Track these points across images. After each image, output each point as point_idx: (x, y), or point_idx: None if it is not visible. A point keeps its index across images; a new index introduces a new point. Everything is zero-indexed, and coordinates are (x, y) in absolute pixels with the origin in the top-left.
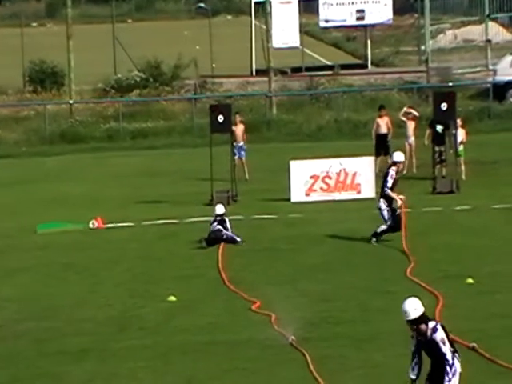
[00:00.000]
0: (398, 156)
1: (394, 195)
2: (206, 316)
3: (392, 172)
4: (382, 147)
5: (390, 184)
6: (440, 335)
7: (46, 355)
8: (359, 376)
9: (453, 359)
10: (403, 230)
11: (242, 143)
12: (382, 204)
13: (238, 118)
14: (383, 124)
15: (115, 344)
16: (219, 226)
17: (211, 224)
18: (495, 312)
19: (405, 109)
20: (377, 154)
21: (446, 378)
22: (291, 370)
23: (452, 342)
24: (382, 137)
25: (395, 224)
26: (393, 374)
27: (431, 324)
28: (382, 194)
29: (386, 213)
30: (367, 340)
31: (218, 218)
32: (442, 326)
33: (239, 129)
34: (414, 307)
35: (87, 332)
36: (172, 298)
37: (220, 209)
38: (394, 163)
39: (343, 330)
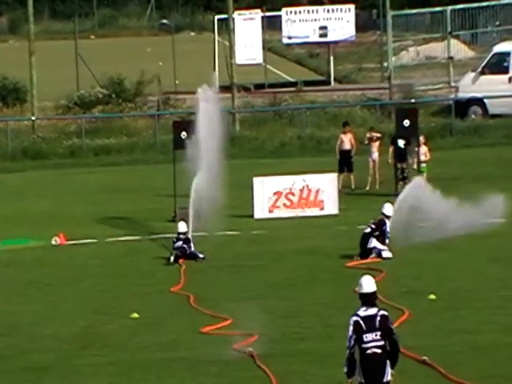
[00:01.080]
0: (390, 210)
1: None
2: (169, 333)
3: (388, 225)
4: (345, 163)
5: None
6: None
7: (8, 372)
8: None
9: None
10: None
11: None
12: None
13: None
14: (347, 140)
15: (78, 361)
16: (184, 245)
17: (174, 242)
18: (458, 328)
19: (367, 135)
20: (340, 171)
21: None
22: None
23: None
24: (346, 153)
25: None
26: None
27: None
28: (385, 243)
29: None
30: (330, 356)
31: (182, 237)
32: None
33: None
34: (369, 282)
35: (49, 349)
36: (135, 315)
37: (182, 227)
38: (388, 217)
39: (307, 346)
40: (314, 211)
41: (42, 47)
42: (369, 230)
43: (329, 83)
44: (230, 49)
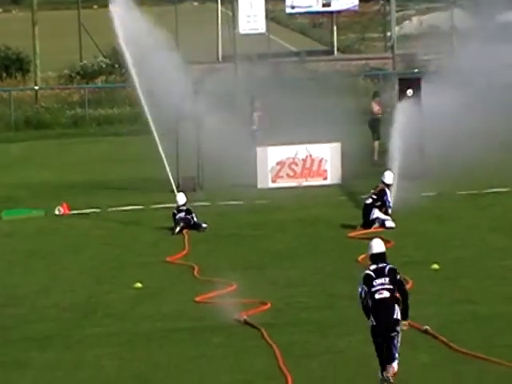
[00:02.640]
0: (390, 178)
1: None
2: (171, 303)
3: (389, 194)
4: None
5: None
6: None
7: (11, 342)
8: (324, 362)
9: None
10: None
11: (255, 127)
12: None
13: (257, 103)
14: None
15: (80, 331)
16: (187, 215)
17: (175, 214)
18: (460, 298)
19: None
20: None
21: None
22: (258, 356)
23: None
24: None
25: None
26: (357, 359)
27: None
28: (387, 213)
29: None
30: (332, 326)
31: (183, 208)
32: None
33: (258, 113)
34: (379, 244)
35: (51, 318)
36: (138, 285)
37: (182, 199)
38: (388, 186)
39: (309, 315)
40: (317, 181)
41: (45, 17)
42: (370, 200)
43: (332, 53)
44: (233, 19)
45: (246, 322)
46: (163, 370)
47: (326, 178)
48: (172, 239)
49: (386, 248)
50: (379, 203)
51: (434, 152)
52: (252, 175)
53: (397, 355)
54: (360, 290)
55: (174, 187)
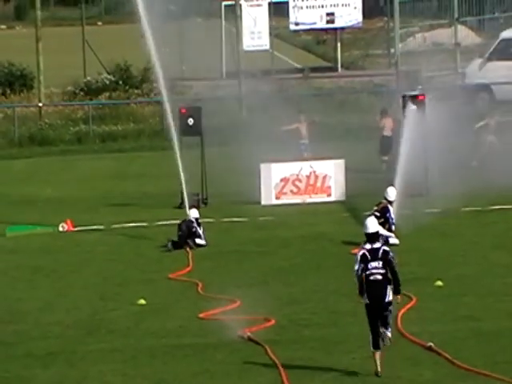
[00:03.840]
0: (393, 194)
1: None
2: (175, 319)
3: (392, 211)
4: (386, 149)
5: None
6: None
7: (14, 359)
8: (328, 379)
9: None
10: None
11: (305, 140)
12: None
13: (302, 117)
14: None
15: (84, 347)
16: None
17: (180, 225)
18: (463, 314)
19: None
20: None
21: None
22: (261, 373)
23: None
24: (387, 139)
25: None
26: (361, 376)
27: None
28: (391, 229)
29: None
30: (336, 343)
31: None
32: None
33: (303, 127)
34: (373, 223)
35: (55, 335)
36: (142, 301)
37: (194, 213)
38: (391, 203)
39: (312, 332)
40: (321, 197)
41: (49, 33)
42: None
43: (336, 69)
44: (237, 35)
45: (249, 339)
46: None
47: (329, 195)
48: (176, 256)
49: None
50: (382, 220)
51: (437, 169)
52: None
53: (390, 326)
54: (357, 267)
55: (186, 203)
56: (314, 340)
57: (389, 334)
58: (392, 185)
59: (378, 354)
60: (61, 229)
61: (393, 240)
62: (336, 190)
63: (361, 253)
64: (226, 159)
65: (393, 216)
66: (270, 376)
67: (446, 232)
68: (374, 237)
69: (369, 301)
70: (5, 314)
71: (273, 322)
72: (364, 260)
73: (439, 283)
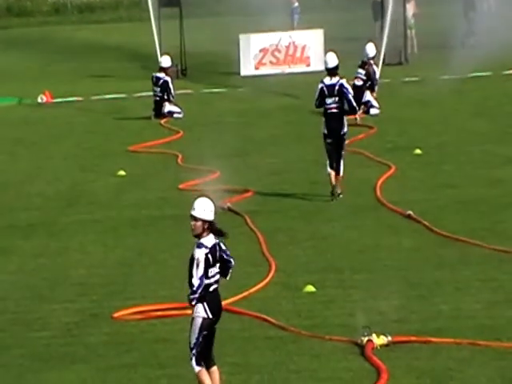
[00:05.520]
0: (373, 50)
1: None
2: (155, 190)
3: (375, 68)
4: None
5: None
6: None
7: None
8: (308, 247)
9: None
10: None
11: (296, 3)
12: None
13: None
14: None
15: (65, 218)
16: (159, 94)
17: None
18: (442, 182)
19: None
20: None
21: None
22: (241, 243)
23: None
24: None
25: None
26: (340, 245)
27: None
28: (374, 88)
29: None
30: (316, 212)
31: (161, 81)
32: None
33: None
34: (332, 59)
35: (36, 207)
36: (122, 173)
37: (166, 61)
38: (373, 58)
39: (292, 202)
40: (300, 68)
41: None
42: (361, 82)
43: None
44: None
45: (229, 209)
46: (147, 256)
47: (308, 65)
48: (154, 127)
49: (370, 134)
50: (369, 83)
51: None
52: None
53: (342, 166)
54: (316, 98)
55: (159, 54)
56: (294, 209)
57: (341, 167)
58: (370, 41)
59: (333, 175)
60: (39, 100)
61: (374, 111)
62: (315, 60)
63: (319, 87)
64: (206, 30)
65: (377, 76)
66: (251, 245)
67: (425, 101)
68: (333, 71)
69: (327, 132)
70: None
71: (251, 193)
72: (321, 94)
73: (418, 151)
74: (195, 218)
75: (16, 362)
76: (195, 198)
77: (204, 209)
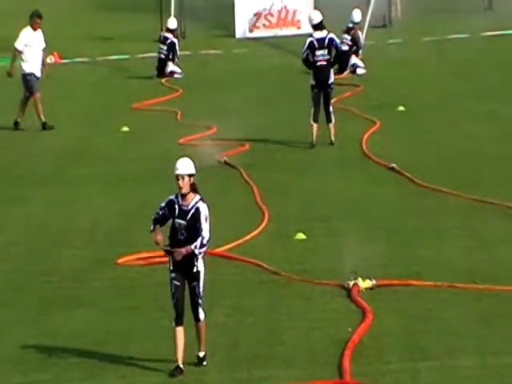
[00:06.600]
0: (359, 15)
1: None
2: (156, 145)
3: (360, 33)
4: None
5: None
6: None
7: (8, 180)
8: (298, 198)
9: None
10: None
11: None
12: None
13: None
14: None
15: (72, 171)
16: (165, 52)
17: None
18: (424, 138)
19: None
20: None
21: None
22: (237, 194)
23: None
24: None
25: None
26: (328, 195)
27: None
28: (358, 52)
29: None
30: (306, 165)
31: (169, 41)
32: None
33: None
34: (317, 15)
35: (47, 160)
36: (125, 129)
37: (173, 23)
38: (358, 24)
39: (284, 156)
40: (291, 30)
41: None
42: (347, 47)
43: None
44: None
45: (225, 163)
46: (149, 208)
47: (299, 28)
48: (156, 86)
49: (356, 92)
50: (355, 48)
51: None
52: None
53: (333, 115)
54: (304, 51)
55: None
56: (285, 163)
57: (332, 115)
58: (357, 7)
59: (315, 127)
60: (49, 61)
61: (360, 71)
62: (305, 24)
63: (309, 40)
64: None
65: (362, 41)
66: (245, 196)
67: (408, 61)
68: (319, 26)
69: (315, 83)
70: (2, 142)
71: (247, 146)
72: (312, 47)
73: (401, 108)
74: (182, 177)
75: (27, 304)
76: (176, 159)
77: (186, 165)
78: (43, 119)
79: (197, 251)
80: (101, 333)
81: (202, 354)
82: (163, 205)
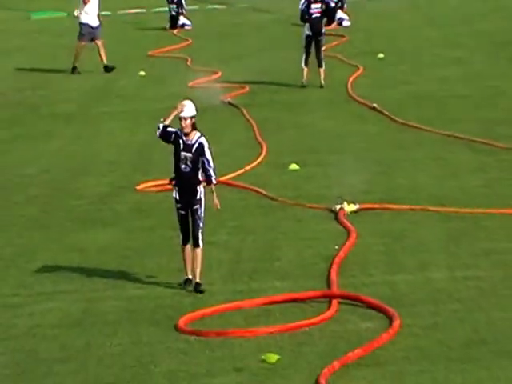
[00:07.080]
0: None
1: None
2: (169, 87)
3: None
4: None
5: None
6: None
7: (41, 118)
8: (292, 134)
9: None
10: None
11: None
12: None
13: None
14: None
15: (97, 109)
16: (175, 9)
17: (169, 7)
18: (401, 80)
19: None
20: None
21: None
22: (239, 130)
23: None
24: None
25: None
26: (318, 131)
27: None
28: (343, 8)
29: None
30: (299, 105)
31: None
32: None
33: None
34: None
35: (73, 99)
36: (142, 73)
37: None
38: None
39: (280, 97)
40: None
41: None
42: (333, 4)
43: None
44: None
45: (229, 103)
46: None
47: None
48: (169, 37)
49: (342, 42)
50: (340, 4)
51: None
52: None
53: (323, 61)
54: (303, 3)
55: None
56: (280, 103)
57: (323, 61)
58: None
59: (306, 70)
60: (75, 14)
61: (346, 23)
62: None
63: None
64: None
65: None
66: (246, 132)
67: (388, 14)
68: None
69: (310, 33)
70: (33, 81)
71: (247, 88)
72: (308, 1)
73: (381, 55)
74: (185, 119)
75: (58, 223)
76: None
77: (189, 108)
78: (105, 62)
79: (214, 181)
80: (122, 249)
81: (199, 281)
82: (171, 129)
